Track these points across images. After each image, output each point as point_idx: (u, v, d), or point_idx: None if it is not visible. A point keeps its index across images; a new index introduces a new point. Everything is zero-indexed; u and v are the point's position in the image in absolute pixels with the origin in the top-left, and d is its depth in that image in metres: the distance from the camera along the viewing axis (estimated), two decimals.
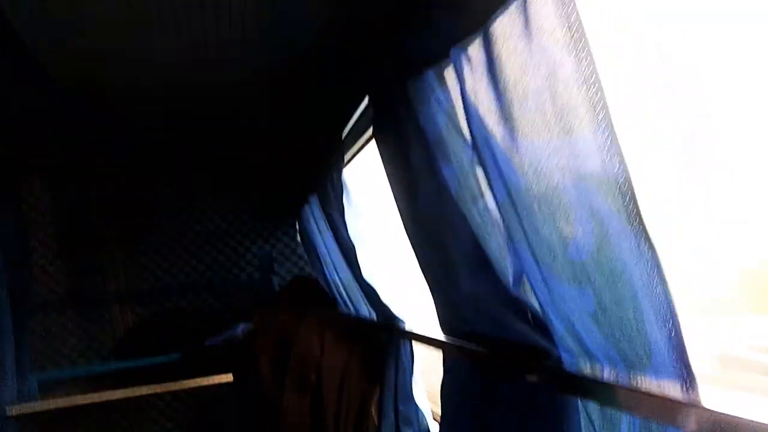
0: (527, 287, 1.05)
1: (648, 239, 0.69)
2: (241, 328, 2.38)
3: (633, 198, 0.69)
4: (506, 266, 1.06)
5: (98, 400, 2.25)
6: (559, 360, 0.94)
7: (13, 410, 2.07)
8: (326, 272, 2.58)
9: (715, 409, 0.62)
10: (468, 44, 0.91)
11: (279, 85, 1.75)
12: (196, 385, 2.27)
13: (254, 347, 2.31)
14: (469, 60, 0.92)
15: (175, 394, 2.87)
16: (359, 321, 2.24)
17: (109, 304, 2.85)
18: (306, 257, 3.07)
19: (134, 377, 2.35)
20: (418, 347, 1.86)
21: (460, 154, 1.08)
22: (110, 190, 2.93)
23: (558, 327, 0.91)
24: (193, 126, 2.41)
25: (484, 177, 0.99)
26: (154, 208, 2.98)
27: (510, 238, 0.99)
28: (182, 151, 2.87)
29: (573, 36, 0.71)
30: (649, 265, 0.69)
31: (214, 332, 2.44)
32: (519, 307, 1.04)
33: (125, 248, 2.92)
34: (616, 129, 0.70)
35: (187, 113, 2.19)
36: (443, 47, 0.96)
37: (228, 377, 2.29)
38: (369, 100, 1.42)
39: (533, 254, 0.89)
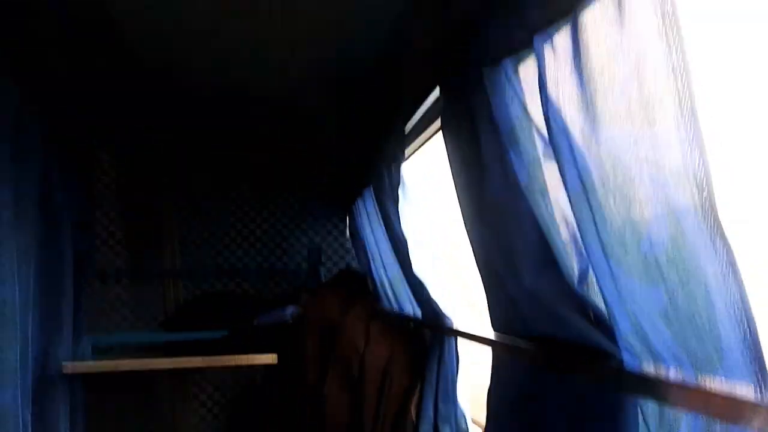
0: (592, 286, 1.04)
1: (723, 237, 0.67)
2: (290, 310, 2.43)
3: (710, 194, 0.68)
4: (572, 264, 1.05)
5: (146, 367, 2.35)
6: (620, 361, 0.92)
7: (69, 368, 2.18)
8: (372, 268, 2.61)
9: None
10: (553, 32, 0.91)
11: (347, 74, 1.79)
12: (242, 362, 2.33)
13: (301, 331, 2.36)
14: (553, 48, 0.92)
15: (218, 371, 2.96)
16: (404, 316, 2.25)
17: (163, 279, 2.97)
18: (353, 251, 3.11)
19: (182, 350, 2.44)
20: (464, 346, 1.85)
21: (532, 146, 1.07)
22: (176, 173, 3.07)
23: (623, 326, 0.89)
24: (256, 118, 2.49)
25: (557, 170, 0.99)
26: (217, 196, 3.10)
27: (579, 234, 0.98)
28: (246, 142, 2.96)
29: (666, 23, 0.70)
30: (724, 263, 0.68)
31: (262, 313, 2.50)
32: (582, 306, 1.02)
33: (183, 229, 3.04)
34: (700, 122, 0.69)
35: (253, 106, 2.26)
36: (527, 36, 0.97)
37: (273, 358, 2.34)
38: (440, 90, 1.43)
39: (603, 249, 0.88)
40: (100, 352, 2.49)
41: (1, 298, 1.55)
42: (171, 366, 2.34)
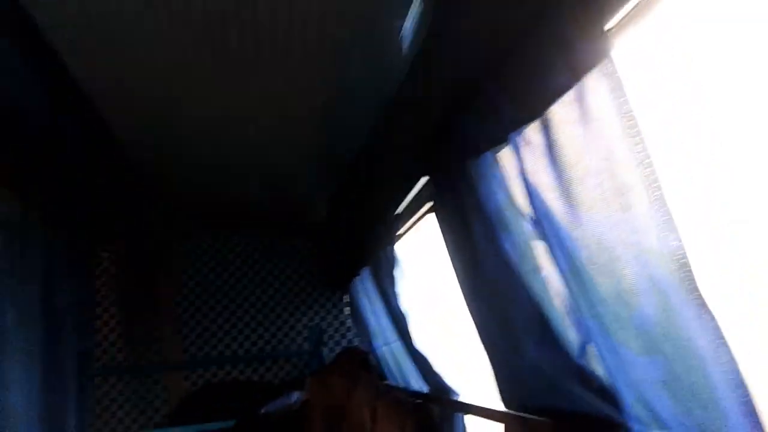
0: (593, 357, 1.08)
1: (707, 309, 0.73)
2: (295, 396, 2.40)
3: (689, 271, 0.74)
4: (571, 337, 1.09)
5: None
6: (629, 430, 0.95)
7: None
8: (375, 345, 2.62)
9: None
10: (527, 130, 1.00)
11: (337, 163, 1.88)
12: None
13: (306, 416, 2.32)
14: (527, 143, 1.01)
15: None
16: (411, 393, 2.24)
17: (165, 372, 2.94)
18: (354, 329, 3.12)
19: None
20: (472, 421, 1.84)
21: (520, 227, 1.14)
22: (172, 267, 3.11)
23: (627, 396, 0.93)
24: (250, 204, 2.57)
25: (546, 249, 1.06)
26: (211, 283, 3.13)
27: (574, 309, 1.03)
28: (239, 230, 3.04)
29: (626, 122, 0.79)
30: (712, 333, 0.73)
31: (268, 401, 2.47)
32: (585, 377, 1.06)
33: (183, 319, 3.04)
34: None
35: (245, 194, 2.35)
36: (503, 132, 1.06)
37: None
38: (429, 179, 1.52)
39: (600, 324, 0.93)
40: None
41: (7, 404, 1.54)
42: None
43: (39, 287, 1.90)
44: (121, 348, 2.92)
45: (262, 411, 2.42)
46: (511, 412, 1.36)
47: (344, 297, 3.24)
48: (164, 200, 2.32)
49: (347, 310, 3.22)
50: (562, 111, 0.91)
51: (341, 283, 3.13)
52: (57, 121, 1.56)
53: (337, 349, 3.14)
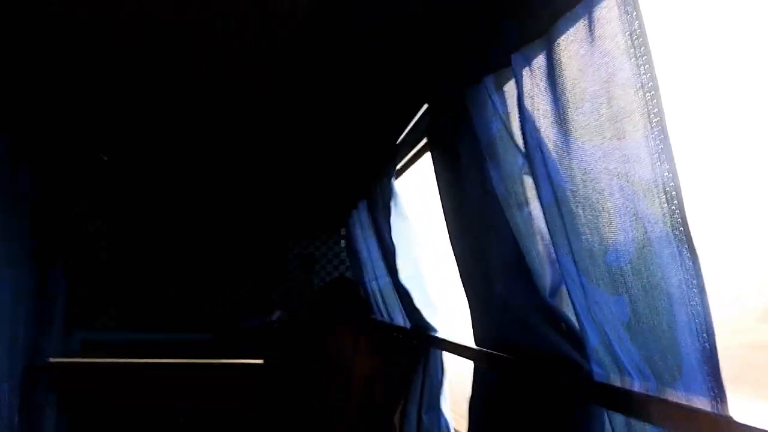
0: (564, 298, 1.05)
1: (691, 247, 0.68)
2: (275, 315, 2.44)
3: (680, 205, 0.69)
4: (545, 276, 1.06)
5: (131, 364, 2.36)
6: (589, 372, 0.92)
7: (55, 361, 2.21)
8: (366, 279, 2.62)
9: (746, 423, 0.60)
10: (529, 50, 0.93)
11: (337, 90, 1.81)
12: (226, 362, 2.34)
13: (293, 340, 2.37)
14: (529, 65, 0.94)
15: (201, 377, 2.95)
16: (392, 328, 2.25)
17: (156, 279, 2.98)
18: (348, 262, 3.12)
19: (168, 350, 2.45)
20: (450, 358, 1.85)
21: (510, 160, 1.09)
22: (170, 178, 3.09)
23: (592, 338, 0.90)
24: (254, 127, 2.50)
25: (533, 183, 1.01)
26: (213, 200, 3.11)
27: (552, 246, 0.99)
28: (241, 149, 2.98)
29: (634, 42, 0.72)
30: (689, 273, 0.68)
31: (248, 316, 2.52)
32: (554, 318, 1.03)
33: (180, 235, 3.06)
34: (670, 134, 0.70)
35: (249, 117, 2.27)
36: (504, 54, 0.99)
37: (257, 360, 2.34)
38: (427, 107, 1.46)
39: (574, 261, 0.89)
40: (91, 349, 2.50)
41: None
42: (155, 363, 2.35)
43: (31, 192, 1.91)
44: (118, 251, 2.94)
45: (240, 325, 2.46)
46: (482, 349, 1.35)
47: (340, 229, 3.23)
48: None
49: (343, 242, 3.22)
50: (568, 28, 0.84)
51: (340, 214, 3.11)
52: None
53: (328, 279, 3.17)
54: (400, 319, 2.23)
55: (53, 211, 2.18)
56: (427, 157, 1.70)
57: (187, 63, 1.55)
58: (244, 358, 2.35)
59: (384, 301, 2.40)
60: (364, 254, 2.57)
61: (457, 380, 1.86)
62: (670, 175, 0.69)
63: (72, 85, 1.73)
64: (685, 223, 0.68)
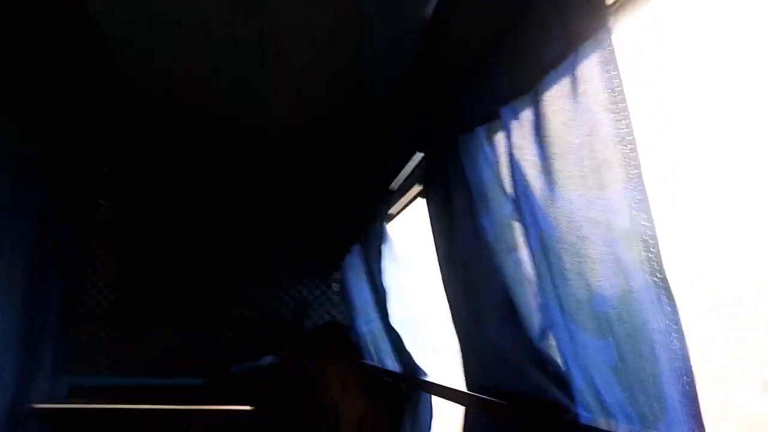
0: (552, 342, 1.07)
1: (669, 294, 0.72)
2: (267, 360, 2.42)
3: (656, 252, 0.73)
4: (534, 319, 1.09)
5: (120, 410, 2.31)
6: (576, 415, 0.94)
7: (41, 408, 2.15)
8: (357, 323, 2.62)
9: None
10: (518, 104, 0.99)
11: (335, 136, 1.88)
12: (218, 408, 2.30)
13: (281, 383, 2.34)
14: (517, 118, 1.00)
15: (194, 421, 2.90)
16: (382, 372, 2.24)
17: (148, 324, 2.96)
18: (340, 306, 3.12)
19: (158, 396, 2.41)
20: (440, 402, 1.84)
21: (500, 206, 1.13)
22: (167, 224, 3.13)
23: (578, 381, 0.92)
24: (250, 172, 2.56)
25: (521, 229, 1.05)
26: (208, 244, 3.14)
27: (540, 290, 1.02)
28: (239, 194, 3.04)
29: (614, 98, 0.78)
30: (669, 318, 0.72)
31: (239, 361, 2.49)
32: (542, 362, 1.05)
33: (173, 276, 3.06)
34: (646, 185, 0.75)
35: (245, 160, 2.33)
36: (495, 107, 1.05)
37: (248, 407, 2.31)
38: (422, 156, 1.51)
39: (561, 305, 0.92)
40: (79, 394, 2.45)
41: None
42: (146, 409, 2.30)
43: (34, 223, 1.92)
44: (107, 296, 2.94)
45: (231, 370, 2.44)
46: (472, 393, 1.36)
47: (332, 272, 3.25)
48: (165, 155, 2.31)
49: (334, 286, 3.23)
50: (552, 84, 0.90)
51: (334, 259, 3.13)
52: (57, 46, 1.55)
53: (320, 323, 3.15)
54: (390, 363, 2.22)
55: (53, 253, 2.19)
56: (420, 202, 1.76)
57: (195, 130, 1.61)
58: (235, 404, 2.32)
59: (375, 345, 2.39)
60: (356, 298, 2.58)
61: (446, 422, 1.85)
62: (648, 224, 0.74)
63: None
64: (662, 269, 0.72)
